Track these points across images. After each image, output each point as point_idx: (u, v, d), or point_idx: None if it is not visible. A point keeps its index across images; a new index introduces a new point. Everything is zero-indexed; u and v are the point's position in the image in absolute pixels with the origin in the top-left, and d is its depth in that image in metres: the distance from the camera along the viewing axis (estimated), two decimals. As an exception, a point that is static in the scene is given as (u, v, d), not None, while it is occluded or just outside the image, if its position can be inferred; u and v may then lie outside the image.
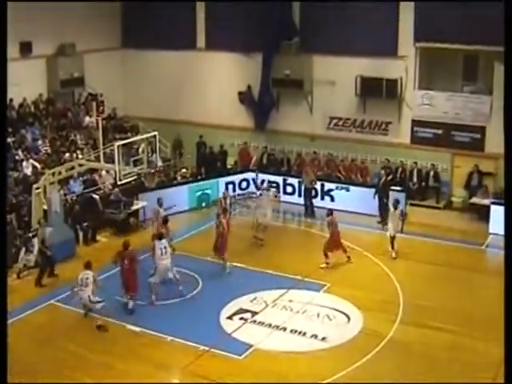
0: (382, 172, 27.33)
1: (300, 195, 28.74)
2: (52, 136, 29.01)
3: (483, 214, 26.33)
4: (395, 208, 23.26)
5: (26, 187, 24.32)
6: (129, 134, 30.40)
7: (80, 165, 23.78)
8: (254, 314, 19.25)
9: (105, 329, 18.48)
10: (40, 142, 28.26)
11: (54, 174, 23.01)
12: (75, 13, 31.04)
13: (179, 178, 30.13)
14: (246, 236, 23.79)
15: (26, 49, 29.34)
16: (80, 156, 27.25)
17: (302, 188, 28.02)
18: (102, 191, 26.77)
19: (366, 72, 28.95)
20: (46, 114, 30.13)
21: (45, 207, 23.03)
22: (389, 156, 29.26)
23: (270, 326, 18.65)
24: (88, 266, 19.03)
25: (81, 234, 24.72)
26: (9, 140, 26.39)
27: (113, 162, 21.82)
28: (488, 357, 16.88)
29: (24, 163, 26.18)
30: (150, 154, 24.27)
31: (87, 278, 18.70)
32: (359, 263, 22.89)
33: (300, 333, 18.27)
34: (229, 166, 32.09)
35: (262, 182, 26.49)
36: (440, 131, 28.56)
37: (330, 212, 22.90)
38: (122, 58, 34.81)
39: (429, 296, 20.32)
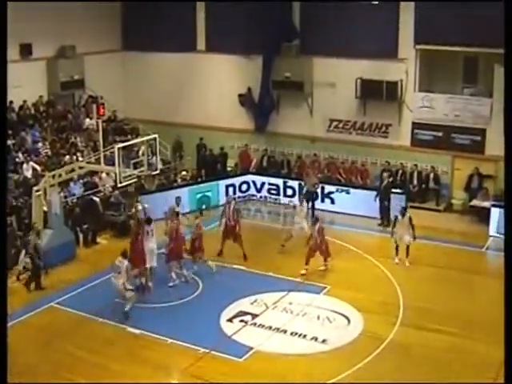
0: (385, 174, 27.32)
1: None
2: (52, 138, 29.01)
3: (483, 216, 26.34)
4: (403, 215, 22.81)
5: (27, 189, 24.30)
6: (129, 137, 30.46)
7: (80, 167, 23.74)
8: (255, 316, 19.24)
9: (127, 315, 18.90)
10: (40, 145, 28.26)
11: (54, 176, 22.99)
12: (75, 15, 31.06)
13: (179, 180, 30.11)
14: (246, 239, 23.70)
15: (26, 51, 29.35)
16: (80, 158, 27.20)
17: (304, 191, 27.79)
18: (102, 193, 26.80)
19: (366, 74, 28.96)
20: (46, 116, 30.13)
21: (45, 209, 23.02)
22: (389, 158, 29.27)
23: (270, 328, 18.64)
24: (124, 254, 19.25)
25: (81, 237, 24.73)
26: (9, 142, 26.37)
27: (113, 165, 21.81)
28: (488, 359, 16.86)
29: (24, 165, 26.17)
30: (150, 157, 24.27)
31: (119, 266, 18.97)
32: (359, 265, 22.90)
33: (300, 335, 18.27)
34: (229, 169, 32.12)
35: (300, 187, 25.38)
36: (440, 133, 28.57)
37: (316, 219, 22.45)
38: (122, 60, 34.83)
39: (429, 298, 20.31)
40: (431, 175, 28.72)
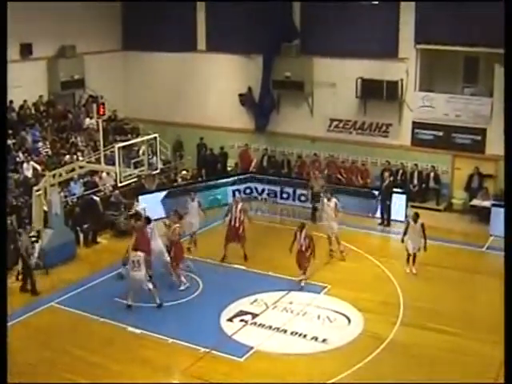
0: (386, 174, 27.33)
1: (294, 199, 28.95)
2: (52, 138, 29.00)
3: (484, 215, 26.35)
4: (415, 221, 21.99)
5: (27, 189, 24.30)
6: (129, 136, 30.43)
7: (80, 167, 23.73)
8: (255, 316, 19.23)
9: (161, 305, 19.51)
10: (40, 144, 28.25)
11: (54, 175, 22.98)
12: (76, 14, 31.05)
13: (179, 179, 30.12)
14: (247, 238, 23.69)
15: (26, 50, 29.34)
16: (80, 158, 27.22)
17: (310, 193, 27.63)
18: (102, 193, 26.80)
19: (366, 74, 28.96)
20: (46, 115, 30.12)
21: (45, 209, 23.01)
22: (389, 158, 29.26)
23: (270, 327, 18.63)
24: (136, 248, 19.56)
25: (81, 236, 24.72)
26: (9, 142, 26.39)
27: (113, 164, 21.80)
28: (489, 359, 16.86)
29: (24, 165, 26.18)
30: (150, 156, 24.26)
31: (138, 260, 19.17)
32: (360, 265, 22.91)
33: (300, 335, 18.26)
34: (229, 168, 32.12)
35: (329, 193, 24.10)
36: (440, 133, 28.58)
37: (302, 225, 21.33)
38: (122, 59, 34.83)
39: (429, 298, 20.32)
40: (431, 175, 28.73)
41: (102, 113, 24.45)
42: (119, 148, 21.50)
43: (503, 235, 24.50)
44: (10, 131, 26.92)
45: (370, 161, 29.98)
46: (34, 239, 22.32)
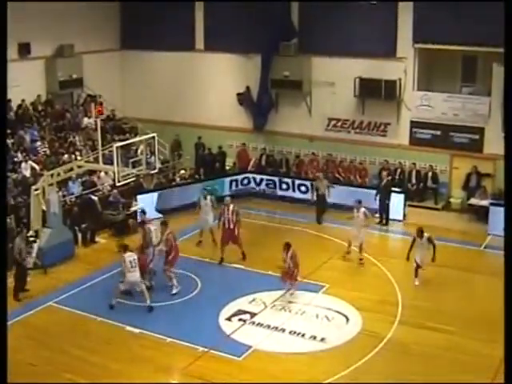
0: (384, 173, 27.36)
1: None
2: (51, 137, 28.99)
3: (482, 214, 26.38)
4: (420, 237, 20.95)
5: (25, 189, 24.30)
6: (127, 136, 30.42)
7: (79, 166, 23.74)
8: (253, 315, 19.24)
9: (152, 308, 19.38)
10: (39, 144, 28.24)
11: (52, 175, 22.98)
12: (74, 14, 31.04)
13: (178, 179, 30.12)
14: (244, 238, 23.67)
15: (24, 50, 29.32)
16: (79, 157, 27.23)
17: (314, 194, 27.45)
18: (100, 192, 26.79)
19: (364, 73, 28.97)
20: (44, 115, 30.10)
21: (44, 208, 23.01)
22: (387, 157, 29.29)
23: (268, 327, 18.64)
24: (127, 249, 19.67)
25: (80, 236, 24.71)
26: (8, 141, 26.36)
27: (111, 164, 21.80)
28: (487, 358, 16.91)
29: (23, 164, 26.17)
30: (148, 156, 24.27)
31: (134, 259, 19.30)
32: (357, 264, 22.90)
33: (299, 334, 18.27)
34: (227, 168, 32.12)
35: (359, 201, 23.39)
36: (438, 132, 28.59)
37: (288, 245, 20.24)
38: (120, 59, 34.81)
39: (427, 297, 20.34)
40: (429, 174, 28.73)
41: (100, 112, 24.58)
42: (117, 147, 21.53)
43: (501, 234, 24.69)
44: (9, 131, 26.87)
45: (369, 160, 29.99)
46: (31, 239, 22.37)
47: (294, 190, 29.31)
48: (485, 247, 24.60)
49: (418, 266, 21.13)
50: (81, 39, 31.49)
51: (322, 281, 21.42)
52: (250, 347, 17.53)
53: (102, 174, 27.26)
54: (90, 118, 30.74)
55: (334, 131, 30.70)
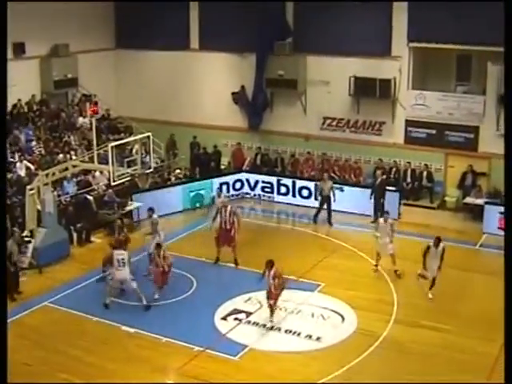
0: (378, 172, 27.39)
1: (294, 195, 28.86)
2: (46, 137, 28.95)
3: (477, 213, 26.40)
4: (436, 246, 20.08)
5: (20, 188, 24.27)
6: (122, 135, 30.39)
7: (74, 166, 23.73)
8: (249, 314, 19.25)
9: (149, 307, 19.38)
10: (34, 143, 28.21)
11: (47, 175, 22.96)
12: (69, 13, 30.99)
13: (173, 178, 30.12)
14: (240, 237, 23.63)
15: (19, 49, 29.26)
16: (74, 157, 27.20)
17: (318, 195, 27.15)
18: (95, 192, 26.76)
19: (359, 72, 28.99)
20: (39, 114, 30.06)
21: (39, 208, 22.99)
22: (382, 156, 29.32)
23: (264, 326, 18.65)
24: (117, 246, 19.77)
25: (75, 235, 24.69)
26: (2, 141, 26.33)
27: (106, 163, 21.79)
28: (482, 356, 16.95)
29: (18, 164, 26.14)
30: (143, 155, 24.26)
31: (123, 258, 19.24)
32: (353, 263, 22.92)
33: (294, 333, 18.29)
34: (222, 167, 32.12)
35: (386, 212, 22.76)
36: (433, 131, 28.61)
37: (271, 263, 18.83)
38: (115, 58, 34.78)
39: (423, 295, 20.34)
40: (424, 173, 28.76)
41: (95, 111, 24.54)
42: (112, 147, 21.50)
43: (496, 233, 24.77)
44: (3, 130, 26.86)
45: (364, 159, 30.00)
46: (26, 239, 22.35)
47: (294, 195, 29.05)
48: (480, 246, 24.63)
49: (434, 280, 20.21)
50: (76, 39, 31.43)
51: (317, 280, 21.44)
52: (246, 346, 17.53)
53: (97, 173, 27.23)
54: (84, 117, 30.71)
55: (329, 130, 30.71)
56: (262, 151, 31.85)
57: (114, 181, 22.05)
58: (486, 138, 27.45)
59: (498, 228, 25.04)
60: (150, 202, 26.30)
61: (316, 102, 30.67)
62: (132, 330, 18.38)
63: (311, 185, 28.45)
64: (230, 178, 29.67)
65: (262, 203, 29.22)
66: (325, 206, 26.73)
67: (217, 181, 29.19)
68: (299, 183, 28.90)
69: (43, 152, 28.01)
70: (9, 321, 18.26)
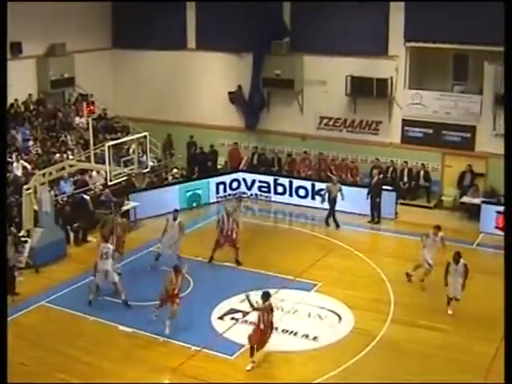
0: (375, 171, 27.40)
1: (291, 195, 28.87)
2: (42, 136, 28.93)
3: (474, 212, 26.43)
4: (456, 262, 19.11)
5: (17, 188, 24.24)
6: (119, 135, 30.36)
7: (70, 165, 23.73)
8: (246, 313, 19.23)
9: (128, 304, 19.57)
10: (30, 143, 28.18)
11: (44, 174, 22.94)
12: (65, 13, 30.93)
13: (170, 178, 30.11)
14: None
15: (16, 49, 29.21)
16: (71, 156, 27.19)
17: (326, 197, 26.63)
18: (92, 192, 26.75)
19: (356, 72, 29.01)
20: (36, 114, 30.04)
21: (35, 208, 22.98)
22: (379, 155, 29.34)
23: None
24: (106, 240, 20.11)
25: (72, 235, 24.69)
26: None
27: (103, 163, 21.79)
28: (479, 355, 16.97)
29: (14, 164, 26.11)
30: (140, 155, 24.24)
31: (106, 252, 19.61)
32: (350, 263, 22.94)
33: (291, 332, 18.30)
34: (219, 166, 32.12)
35: (438, 227, 21.13)
36: (430, 131, 28.63)
37: (266, 296, 17.01)
38: (112, 58, 34.74)
39: (420, 295, 20.38)
40: (421, 172, 28.78)
41: (91, 111, 24.51)
42: (109, 146, 21.51)
43: (493, 232, 24.78)
44: (0, 130, 26.84)
45: (360, 158, 30.00)
46: (23, 239, 22.35)
47: (291, 194, 29.10)
48: (477, 245, 24.65)
49: (450, 299, 19.37)
50: (72, 38, 31.39)
51: (314, 279, 21.45)
52: (243, 346, 17.51)
53: (94, 173, 27.23)
54: (81, 117, 30.70)
55: (326, 130, 30.72)
56: (258, 151, 31.85)
57: (111, 180, 22.05)
58: (482, 138, 27.48)
59: (495, 227, 25.10)
60: (147, 201, 26.44)
61: (313, 102, 30.68)
62: (129, 330, 18.38)
63: (308, 184, 28.52)
64: (227, 178, 29.71)
65: (258, 203, 29.24)
66: (326, 206, 26.63)
67: (214, 180, 29.23)
68: (296, 183, 28.95)
69: (40, 151, 27.98)
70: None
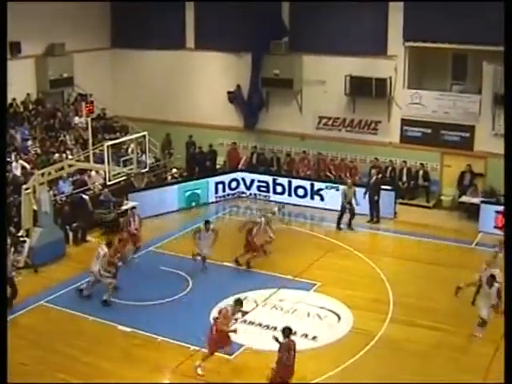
0: (373, 171, 27.40)
1: (290, 195, 28.88)
2: (41, 136, 28.91)
3: (473, 212, 26.44)
4: (490, 285, 17.28)
5: (16, 188, 24.23)
6: (118, 134, 30.35)
7: (70, 165, 23.71)
8: (245, 313, 19.20)
9: (107, 303, 19.49)
10: (29, 143, 28.17)
11: (43, 174, 22.93)
12: (65, 13, 30.92)
13: (169, 178, 30.11)
14: (237, 236, 23.61)
15: (15, 49, 29.19)
16: (70, 156, 27.19)
17: (341, 200, 26.31)
18: (91, 191, 26.73)
19: (355, 71, 29.00)
20: (35, 114, 30.03)
21: (34, 208, 22.97)
22: (378, 155, 29.33)
23: (260, 325, 18.69)
24: (109, 244, 20.31)
25: (71, 235, 24.67)
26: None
27: (102, 163, 21.79)
28: (478, 355, 16.97)
29: (13, 164, 26.09)
30: (139, 155, 24.24)
31: (99, 253, 19.84)
32: (349, 262, 22.95)
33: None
34: (218, 166, 32.12)
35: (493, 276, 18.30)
36: (429, 130, 28.63)
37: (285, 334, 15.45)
38: (111, 57, 34.73)
39: (419, 294, 20.38)
40: (420, 172, 28.78)
41: (90, 111, 24.48)
42: (108, 146, 21.50)
43: (492, 232, 24.80)
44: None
45: (359, 158, 30.02)
46: (22, 239, 22.35)
47: (290, 194, 29.09)
48: (476, 244, 24.66)
49: (483, 322, 17.50)
50: (72, 38, 31.36)
51: (313, 279, 21.45)
52: (242, 346, 17.54)
53: (93, 173, 27.22)
54: (80, 116, 30.66)
55: (325, 129, 30.71)
56: (257, 150, 31.86)
57: (110, 180, 22.04)
58: (481, 137, 27.49)
59: (494, 227, 25.11)
60: (146, 201, 26.42)
61: (312, 102, 30.68)
62: (128, 330, 18.38)
63: (307, 184, 28.53)
64: (226, 178, 29.71)
65: (257, 202, 29.23)
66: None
67: (213, 180, 29.24)
68: (295, 182, 28.95)
69: (39, 151, 27.97)
70: (5, 320, 18.33)
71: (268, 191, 29.42)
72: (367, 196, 26.65)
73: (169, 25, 32.81)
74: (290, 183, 28.99)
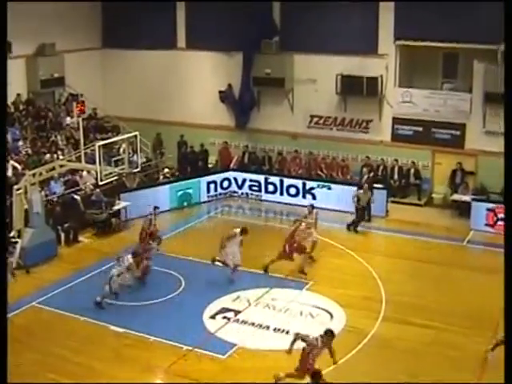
0: (365, 170, 27.44)
1: (282, 194, 28.89)
2: (32, 136, 28.83)
3: (464, 210, 26.50)
4: None
5: (7, 188, 24.14)
6: (110, 134, 30.29)
7: (61, 165, 23.66)
8: (237, 312, 19.25)
9: (100, 305, 19.30)
10: (20, 143, 28.08)
11: (34, 174, 22.88)
12: (55, 13, 30.84)
13: (161, 177, 30.08)
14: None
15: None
16: (61, 156, 27.11)
17: (354, 204, 26.13)
18: (83, 192, 26.67)
19: (346, 70, 29.02)
20: (26, 114, 29.95)
21: (26, 208, 22.91)
22: (370, 154, 29.37)
23: (253, 324, 18.67)
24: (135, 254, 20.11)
25: (62, 235, 24.60)
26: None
27: (94, 163, 21.75)
28: (471, 352, 16.98)
29: (4, 164, 26.04)
30: (131, 154, 24.20)
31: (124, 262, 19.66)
32: (341, 261, 22.96)
33: (283, 331, 18.28)
34: (210, 165, 32.10)
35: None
36: (420, 128, 28.68)
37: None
38: (102, 57, 34.66)
39: (411, 292, 20.40)
40: (412, 170, 28.83)
41: (81, 111, 24.43)
42: (100, 146, 21.46)
43: (483, 229, 24.90)
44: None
45: (351, 157, 30.04)
46: (13, 240, 22.28)
47: (281, 193, 29.06)
48: (467, 242, 24.70)
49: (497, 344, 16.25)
50: (62, 38, 31.28)
51: (305, 278, 21.44)
52: (235, 345, 17.53)
53: (85, 173, 27.14)
54: (71, 117, 30.60)
55: (317, 128, 30.73)
56: (249, 150, 31.86)
57: (102, 180, 22.02)
58: (472, 135, 27.55)
59: (485, 224, 25.19)
60: (138, 201, 26.38)
61: (303, 101, 30.69)
62: (120, 330, 18.34)
63: (299, 183, 28.53)
64: (218, 177, 29.69)
65: (249, 202, 29.24)
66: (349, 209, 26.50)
67: (204, 180, 29.22)
68: (287, 181, 28.94)
69: (30, 152, 27.87)
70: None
71: (260, 190, 29.41)
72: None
73: (160, 24, 32.77)
74: (281, 182, 28.99)
